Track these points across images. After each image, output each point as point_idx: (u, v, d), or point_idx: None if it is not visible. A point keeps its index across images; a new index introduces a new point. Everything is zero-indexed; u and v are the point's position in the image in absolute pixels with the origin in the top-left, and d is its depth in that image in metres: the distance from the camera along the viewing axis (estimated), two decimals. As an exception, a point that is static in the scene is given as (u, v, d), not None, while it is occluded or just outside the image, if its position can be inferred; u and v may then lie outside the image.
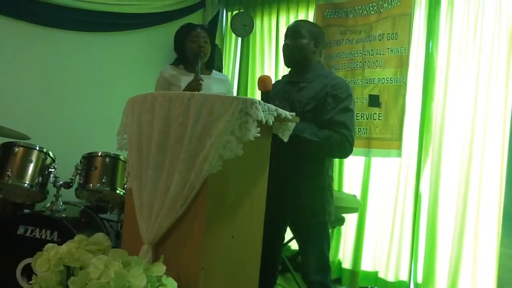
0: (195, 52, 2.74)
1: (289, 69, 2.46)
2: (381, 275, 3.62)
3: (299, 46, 2.33)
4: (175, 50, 2.94)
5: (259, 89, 2.18)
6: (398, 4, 3.52)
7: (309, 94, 2.27)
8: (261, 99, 2.15)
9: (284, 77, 2.53)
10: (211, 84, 2.77)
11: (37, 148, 2.89)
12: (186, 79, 2.69)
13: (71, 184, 2.89)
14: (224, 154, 1.70)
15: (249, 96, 4.46)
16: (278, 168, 2.01)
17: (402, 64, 3.49)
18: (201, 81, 2.56)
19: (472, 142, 3.21)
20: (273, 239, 2.20)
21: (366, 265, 3.73)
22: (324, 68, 2.46)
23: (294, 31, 2.37)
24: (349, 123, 2.20)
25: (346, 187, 3.90)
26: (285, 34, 2.42)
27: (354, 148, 3.61)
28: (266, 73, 4.52)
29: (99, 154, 3.00)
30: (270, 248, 2.03)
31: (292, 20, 4.31)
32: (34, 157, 2.86)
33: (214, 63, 3.05)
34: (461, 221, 3.21)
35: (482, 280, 3.12)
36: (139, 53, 4.38)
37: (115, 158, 2.99)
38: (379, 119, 3.59)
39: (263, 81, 2.17)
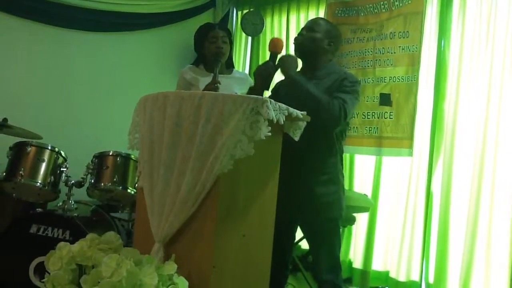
0: (214, 54, 2.75)
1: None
2: (392, 275, 3.59)
3: (311, 38, 2.35)
4: (195, 50, 2.97)
5: (269, 49, 2.27)
6: (410, 2, 3.49)
7: (321, 90, 2.26)
8: (269, 59, 2.29)
9: (295, 74, 2.52)
10: (232, 84, 2.78)
11: (49, 147, 2.91)
12: (205, 80, 2.70)
13: (82, 183, 2.91)
14: (235, 154, 1.70)
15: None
16: (288, 166, 2.00)
17: (414, 62, 3.46)
18: (218, 84, 2.57)
19: (485, 141, 3.17)
20: (284, 239, 2.19)
21: (377, 265, 3.71)
22: (336, 67, 2.46)
23: (311, 25, 2.40)
24: (347, 99, 2.19)
25: (357, 186, 3.88)
26: (301, 29, 2.44)
27: (365, 147, 3.60)
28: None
29: (111, 154, 3.00)
30: (281, 247, 2.03)
31: (302, 18, 4.30)
32: (46, 157, 2.88)
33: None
34: (473, 221, 3.18)
35: (495, 281, 3.09)
36: (150, 53, 4.39)
37: (126, 158, 3.00)
38: (390, 118, 3.56)
39: (274, 42, 2.28)
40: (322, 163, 2.26)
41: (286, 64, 2.26)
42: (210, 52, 2.81)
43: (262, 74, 2.30)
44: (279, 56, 2.33)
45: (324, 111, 2.12)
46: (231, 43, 2.96)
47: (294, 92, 2.27)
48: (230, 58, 2.96)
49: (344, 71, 2.44)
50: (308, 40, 2.35)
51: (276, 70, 2.30)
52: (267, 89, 2.36)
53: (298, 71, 2.48)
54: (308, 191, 2.24)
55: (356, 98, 2.28)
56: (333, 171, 2.29)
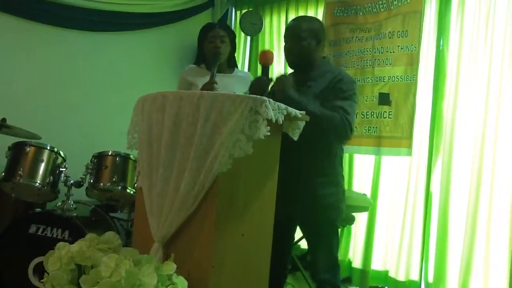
0: (212, 53, 2.74)
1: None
2: (391, 274, 3.59)
3: (300, 49, 2.29)
4: (198, 50, 2.96)
5: (260, 63, 2.20)
6: (408, 1, 3.49)
7: (316, 91, 2.26)
8: (262, 73, 2.22)
9: (291, 74, 2.52)
10: (233, 83, 2.77)
11: (48, 147, 2.91)
12: (205, 80, 2.70)
13: (81, 183, 2.90)
14: (234, 153, 1.70)
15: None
16: (289, 167, 2.00)
17: (413, 62, 3.46)
18: (215, 84, 2.56)
19: (484, 140, 3.17)
20: (283, 238, 2.19)
21: (376, 264, 3.71)
22: (330, 65, 2.45)
23: (293, 32, 2.32)
24: (349, 109, 2.17)
25: (356, 186, 3.88)
26: (284, 35, 2.38)
27: (364, 147, 3.61)
28: (276, 70, 4.52)
29: (110, 153, 3.00)
30: (280, 247, 2.03)
31: (301, 18, 4.30)
32: (45, 157, 2.88)
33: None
34: (472, 220, 3.18)
35: (494, 280, 3.09)
36: (149, 53, 4.39)
37: (125, 157, 3.00)
38: (389, 118, 3.57)
39: (265, 55, 2.21)
40: (322, 165, 2.25)
41: (281, 85, 2.19)
42: (209, 52, 2.81)
43: (256, 90, 2.19)
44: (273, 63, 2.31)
45: (329, 130, 2.14)
46: (233, 42, 2.93)
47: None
48: (232, 57, 2.94)
49: (339, 70, 2.40)
50: (296, 52, 2.30)
51: (270, 83, 2.25)
52: None
53: (293, 73, 2.48)
54: (307, 192, 2.24)
55: (355, 101, 2.26)
56: (332, 172, 2.29)
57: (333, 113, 2.15)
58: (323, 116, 2.12)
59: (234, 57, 3.00)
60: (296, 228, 2.47)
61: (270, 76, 2.26)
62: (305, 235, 2.44)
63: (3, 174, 2.82)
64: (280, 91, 2.17)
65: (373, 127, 3.64)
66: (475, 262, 3.16)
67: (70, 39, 3.90)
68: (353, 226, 3.74)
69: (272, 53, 2.24)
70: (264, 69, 2.25)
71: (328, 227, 2.31)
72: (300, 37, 2.29)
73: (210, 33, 2.83)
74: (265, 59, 2.23)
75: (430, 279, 3.40)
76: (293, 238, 2.53)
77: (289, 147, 1.96)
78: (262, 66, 2.26)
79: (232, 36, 2.92)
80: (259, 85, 2.24)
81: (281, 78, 2.25)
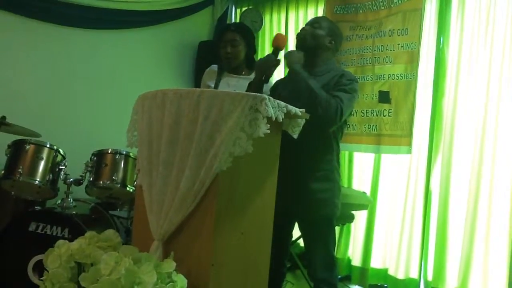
0: (222, 59, 2.70)
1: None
2: (391, 272, 3.60)
3: (314, 33, 2.35)
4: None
5: (272, 45, 2.27)
6: (409, -1, 3.50)
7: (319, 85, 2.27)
8: (272, 53, 2.29)
9: (299, 67, 2.52)
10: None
11: (48, 145, 2.90)
12: (221, 81, 2.67)
13: (81, 181, 2.90)
14: (234, 151, 1.70)
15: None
16: (285, 162, 2.00)
17: (413, 60, 3.46)
18: None
19: (484, 138, 3.18)
20: (281, 236, 2.19)
21: (375, 262, 3.71)
22: (335, 65, 2.46)
23: (315, 21, 2.43)
24: (345, 100, 2.19)
25: (355, 184, 3.88)
26: (306, 22, 2.45)
27: (364, 145, 3.61)
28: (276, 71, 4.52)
29: (109, 151, 3.00)
30: (279, 245, 2.03)
31: (301, 16, 4.30)
32: (44, 155, 2.88)
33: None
34: (472, 218, 3.18)
35: (493, 278, 3.10)
36: (149, 50, 4.39)
37: (125, 155, 3.00)
38: (389, 116, 3.57)
39: (278, 38, 2.29)
40: (318, 160, 2.25)
41: (292, 57, 2.27)
42: (221, 57, 2.75)
43: (262, 67, 2.30)
44: (281, 52, 2.34)
45: (321, 109, 2.12)
46: (250, 43, 2.81)
47: (295, 89, 2.26)
48: (250, 58, 2.83)
49: (342, 69, 2.44)
50: (310, 35, 2.35)
51: (277, 64, 2.30)
52: (266, 82, 2.35)
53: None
54: (303, 188, 2.24)
55: (354, 97, 2.27)
56: (328, 168, 2.29)
57: (330, 97, 2.17)
58: (319, 94, 2.15)
59: (253, 58, 2.89)
60: (294, 226, 2.46)
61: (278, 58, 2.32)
62: (302, 233, 2.43)
63: (3, 172, 2.82)
64: (288, 62, 2.27)
65: (373, 125, 3.64)
66: (475, 260, 3.16)
67: (69, 37, 3.90)
68: (352, 224, 3.74)
69: (285, 38, 2.30)
70: (274, 50, 2.30)
71: (324, 224, 2.30)
72: (319, 26, 2.37)
73: (222, 37, 2.75)
74: (278, 42, 2.28)
75: (430, 277, 3.41)
76: (292, 236, 2.53)
77: (285, 142, 1.96)
78: (273, 48, 2.31)
79: (249, 38, 2.80)
80: (266, 62, 2.30)
81: (292, 52, 2.32)
